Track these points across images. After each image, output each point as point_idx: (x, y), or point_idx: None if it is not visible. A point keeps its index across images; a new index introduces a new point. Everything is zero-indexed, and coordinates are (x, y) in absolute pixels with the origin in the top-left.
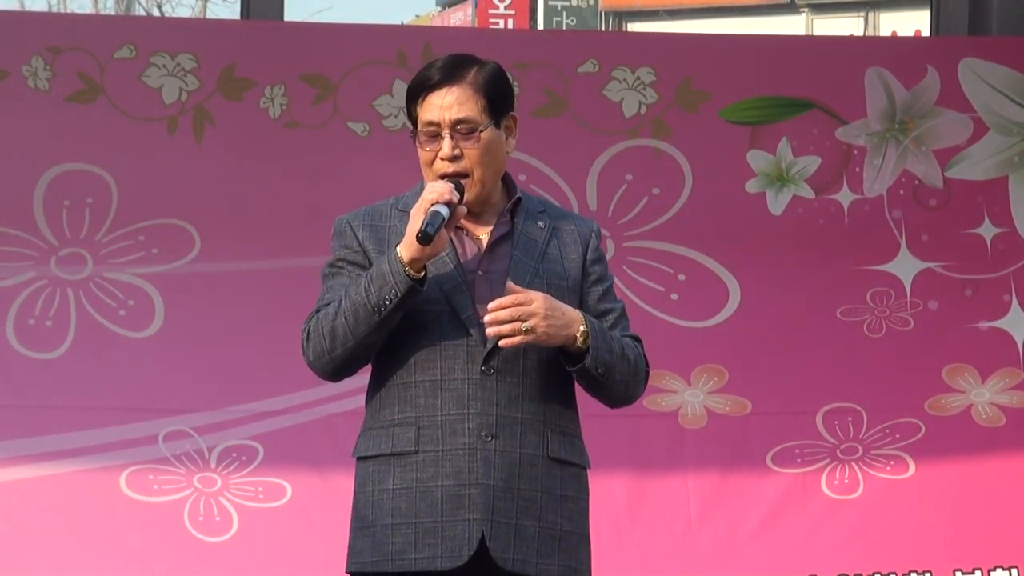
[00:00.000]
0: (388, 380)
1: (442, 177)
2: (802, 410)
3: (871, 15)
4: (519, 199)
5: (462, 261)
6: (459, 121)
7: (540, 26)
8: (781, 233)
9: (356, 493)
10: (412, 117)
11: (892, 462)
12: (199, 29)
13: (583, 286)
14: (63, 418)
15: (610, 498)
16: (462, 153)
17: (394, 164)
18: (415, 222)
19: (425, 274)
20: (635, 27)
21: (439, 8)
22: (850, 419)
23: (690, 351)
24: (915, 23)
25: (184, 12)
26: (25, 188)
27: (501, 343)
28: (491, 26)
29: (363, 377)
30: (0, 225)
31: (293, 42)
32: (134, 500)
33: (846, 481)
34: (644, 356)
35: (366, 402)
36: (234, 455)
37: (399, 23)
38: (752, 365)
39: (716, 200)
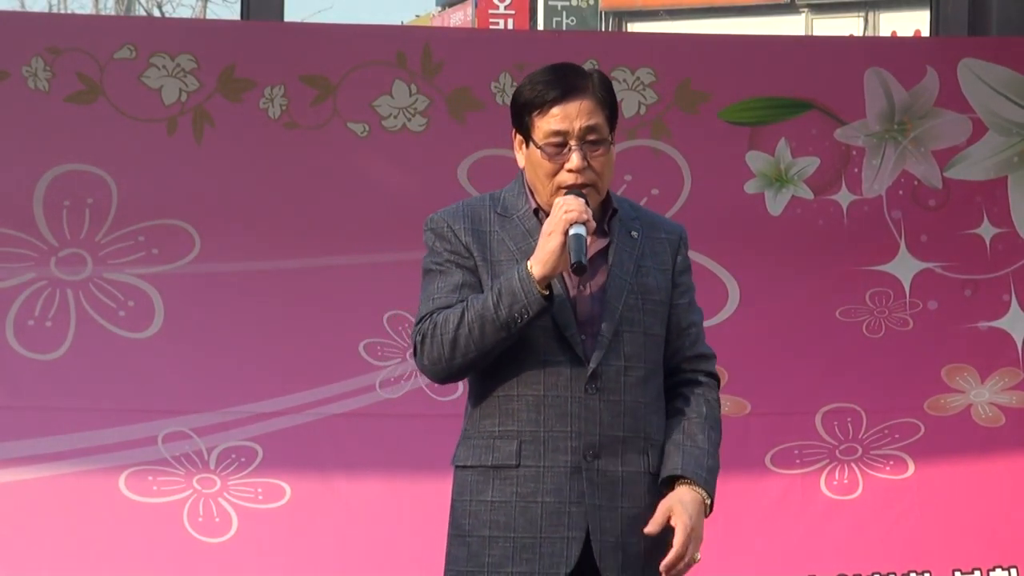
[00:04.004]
0: (490, 392)
1: (567, 189)
2: (801, 410)
3: (871, 15)
4: (615, 210)
5: (564, 277)
6: (589, 130)
7: (540, 26)
8: (780, 234)
9: (453, 501)
10: (525, 127)
11: (891, 462)
12: (199, 30)
13: (673, 298)
14: (62, 419)
15: None
16: (589, 164)
17: (394, 164)
18: (551, 240)
19: (551, 291)
20: (635, 27)
21: (439, 8)
22: (849, 419)
23: None
24: (915, 23)
25: (184, 12)
26: (25, 188)
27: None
28: (491, 26)
29: (365, 378)
30: (0, 225)
31: (293, 42)
32: (133, 501)
33: (845, 481)
34: (718, 409)
35: (465, 411)
36: (233, 456)
37: (399, 23)
38: (751, 366)
39: (715, 201)
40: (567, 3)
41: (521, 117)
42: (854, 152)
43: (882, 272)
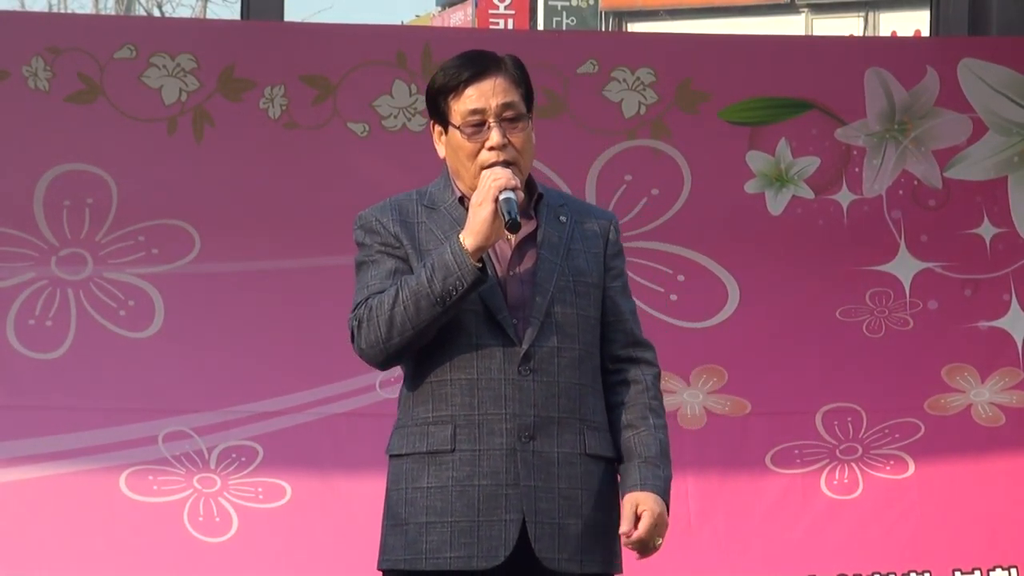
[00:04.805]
0: (423, 378)
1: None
2: (801, 410)
3: (871, 15)
4: (541, 194)
5: (492, 261)
6: (506, 106)
7: (540, 26)
8: (780, 234)
9: (389, 490)
10: (442, 113)
11: (891, 462)
12: (199, 29)
13: (605, 281)
14: (63, 418)
15: None
16: (509, 142)
17: (394, 164)
18: (482, 210)
19: (484, 265)
20: (635, 27)
21: (439, 8)
22: (849, 419)
23: (689, 351)
24: (915, 23)
25: (184, 12)
26: (25, 188)
27: (638, 558)
28: (491, 26)
29: (365, 378)
30: (0, 225)
31: (293, 42)
32: (134, 501)
33: (845, 481)
34: (662, 407)
35: (399, 400)
36: (234, 456)
37: (399, 23)
38: (751, 365)
39: (715, 201)
40: (567, 3)
41: (437, 104)
42: (854, 152)
43: (882, 272)
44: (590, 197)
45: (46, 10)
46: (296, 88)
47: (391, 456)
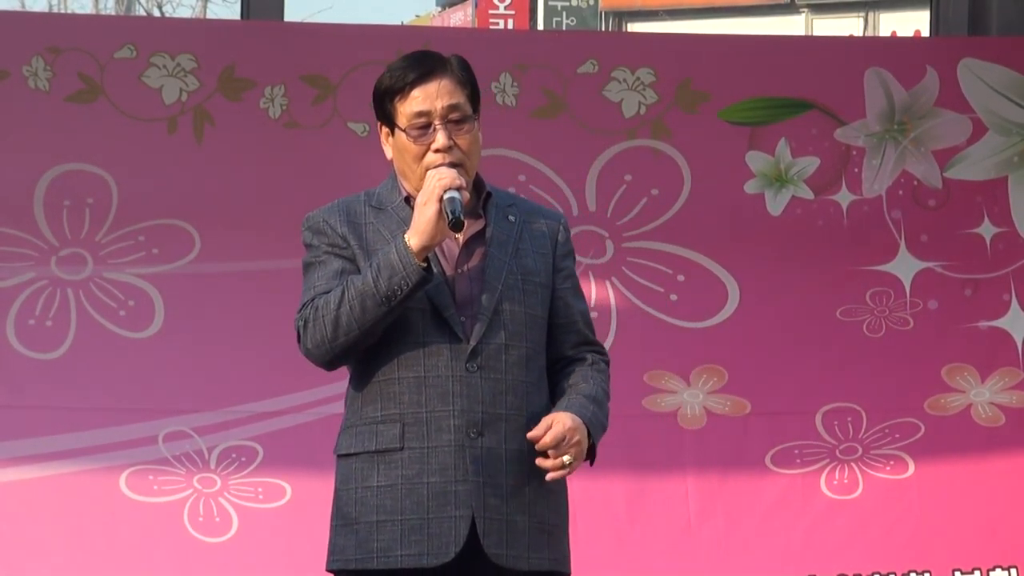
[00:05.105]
0: (370, 377)
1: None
2: (801, 410)
3: (871, 15)
4: (489, 194)
5: (440, 259)
6: (452, 108)
7: (540, 26)
8: (780, 234)
9: (337, 490)
10: (388, 115)
11: (891, 462)
12: (199, 29)
13: (554, 282)
14: (63, 418)
15: (609, 498)
16: (455, 144)
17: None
18: (427, 209)
19: (430, 265)
20: (635, 27)
21: (439, 8)
22: (849, 419)
23: (689, 351)
24: (915, 23)
25: (184, 12)
26: (25, 188)
27: (548, 477)
28: (491, 26)
29: None
30: (0, 225)
31: (293, 42)
32: (134, 501)
33: (845, 481)
34: (608, 381)
35: (346, 400)
36: (234, 456)
37: (399, 23)
38: (751, 365)
39: (715, 201)
40: (567, 3)
41: (383, 106)
42: (854, 152)
43: (882, 272)
44: (590, 197)
45: (46, 10)
46: (296, 88)
47: (339, 456)
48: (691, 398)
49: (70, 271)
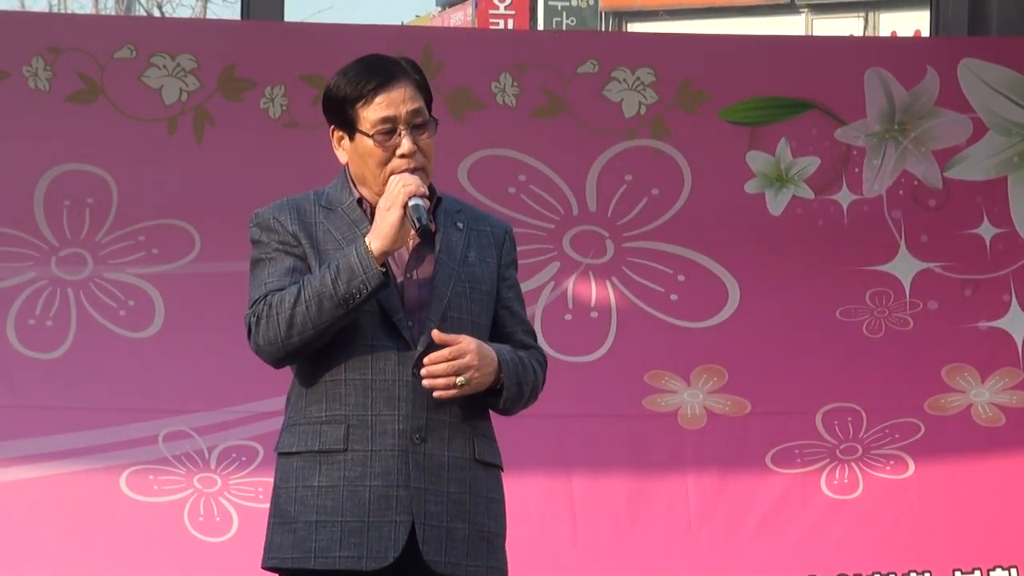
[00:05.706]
0: (317, 377)
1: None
2: (802, 410)
3: (871, 15)
4: (439, 199)
5: (391, 263)
6: (415, 113)
7: (540, 26)
8: (780, 234)
9: (277, 488)
10: (349, 121)
11: (892, 462)
12: (199, 29)
13: (499, 291)
14: (63, 418)
15: (610, 498)
16: (418, 148)
17: None
18: (390, 215)
19: (388, 269)
20: (635, 27)
21: (439, 8)
22: (850, 419)
23: (689, 351)
24: (915, 23)
25: (184, 12)
26: (25, 188)
27: (436, 395)
28: (491, 26)
29: None
30: (0, 225)
31: (293, 42)
32: (134, 500)
33: (846, 481)
34: (544, 377)
35: (288, 398)
36: (234, 455)
37: (399, 23)
38: (751, 365)
39: (715, 201)
40: (567, 3)
41: (343, 111)
42: (854, 152)
43: (882, 272)
44: (590, 197)
45: (46, 10)
46: (296, 88)
47: (280, 454)
48: (691, 398)
49: (70, 271)
